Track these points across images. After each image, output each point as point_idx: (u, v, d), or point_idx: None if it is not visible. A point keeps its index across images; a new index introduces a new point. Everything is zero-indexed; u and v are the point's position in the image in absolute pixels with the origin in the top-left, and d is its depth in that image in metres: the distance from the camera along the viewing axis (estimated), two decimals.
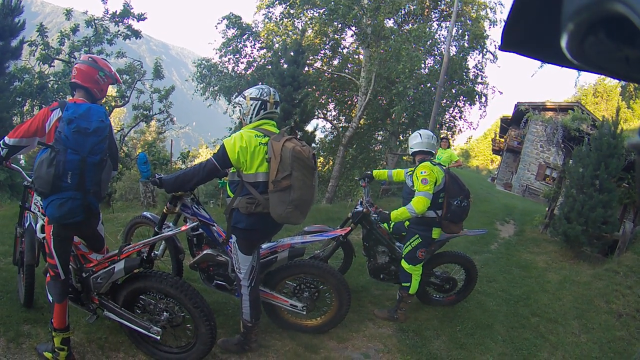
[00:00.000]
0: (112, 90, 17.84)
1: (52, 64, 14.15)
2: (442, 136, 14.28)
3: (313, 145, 12.77)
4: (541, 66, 13.13)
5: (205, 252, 4.23)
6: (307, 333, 4.52)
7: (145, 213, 5.03)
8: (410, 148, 5.14)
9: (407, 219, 4.99)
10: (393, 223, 5.43)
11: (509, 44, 0.71)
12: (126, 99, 15.97)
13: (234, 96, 19.40)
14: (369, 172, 5.76)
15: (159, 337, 3.58)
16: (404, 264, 5.15)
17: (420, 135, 5.11)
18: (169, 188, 3.73)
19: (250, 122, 3.71)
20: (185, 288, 3.52)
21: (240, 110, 3.80)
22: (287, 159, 3.40)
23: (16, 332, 3.97)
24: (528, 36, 0.69)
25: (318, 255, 5.51)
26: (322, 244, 5.75)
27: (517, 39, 0.70)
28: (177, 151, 16.48)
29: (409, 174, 5.14)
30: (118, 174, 14.22)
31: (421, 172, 4.78)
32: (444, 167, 5.09)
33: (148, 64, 17.49)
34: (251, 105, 3.70)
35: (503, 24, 0.70)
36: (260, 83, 13.25)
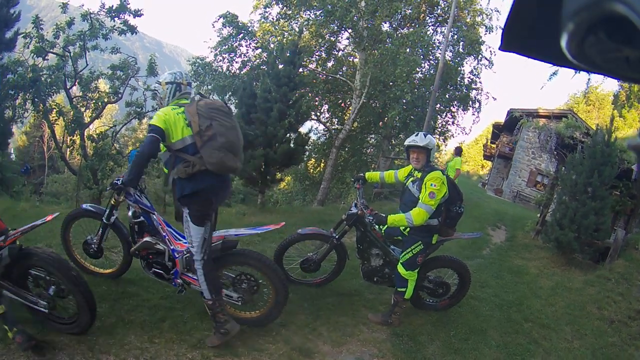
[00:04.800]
0: (105, 86, 17.72)
1: (46, 58, 14.00)
2: (456, 145, 14.46)
3: (306, 147, 12.74)
4: (550, 78, 13.19)
5: (145, 239, 4.28)
6: (245, 325, 4.39)
7: (85, 205, 5.01)
8: (427, 146, 4.94)
9: (402, 226, 4.94)
10: (385, 227, 5.37)
11: (508, 44, 0.72)
12: (119, 95, 15.83)
13: (228, 96, 19.38)
14: (362, 175, 5.72)
15: (46, 310, 3.63)
16: (400, 269, 5.09)
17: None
18: (134, 182, 3.88)
19: (167, 105, 3.94)
20: (60, 263, 3.66)
21: (157, 95, 4.11)
22: (204, 112, 3.71)
23: (4, 333, 3.91)
24: (528, 36, 0.69)
25: (311, 258, 5.53)
26: (315, 247, 5.71)
27: (517, 39, 0.71)
28: None
29: (412, 180, 5.04)
30: (109, 171, 14.11)
31: (431, 185, 4.69)
32: (447, 174, 5.04)
33: (141, 61, 17.35)
34: (167, 89, 4.00)
35: (503, 24, 0.71)
36: (255, 83, 13.25)
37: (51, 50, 13.85)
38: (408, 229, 5.06)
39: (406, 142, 5.02)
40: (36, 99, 13.67)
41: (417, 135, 4.95)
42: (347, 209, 5.49)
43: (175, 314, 4.36)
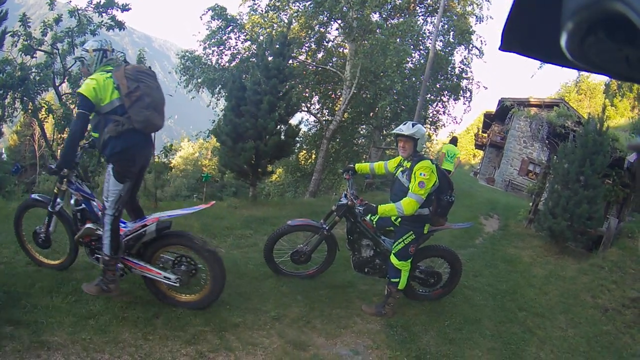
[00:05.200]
0: None
1: (35, 55, 13.86)
2: (453, 135, 14.52)
3: (297, 139, 12.70)
4: (540, 67, 13.29)
5: (86, 226, 4.33)
6: (181, 307, 4.44)
7: (33, 195, 5.03)
8: (423, 145, 5.03)
9: (392, 216, 4.97)
10: (376, 218, 5.40)
11: (508, 44, 0.72)
12: None
13: (217, 89, 19.29)
14: (352, 165, 5.73)
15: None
16: (393, 260, 5.09)
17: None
18: (68, 163, 4.24)
19: (94, 71, 4.10)
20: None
21: (84, 63, 4.21)
22: (132, 75, 3.98)
23: None
24: (528, 36, 0.69)
25: (301, 250, 5.54)
26: (306, 238, 5.69)
27: (517, 39, 0.71)
28: (159, 145, 16.30)
29: (402, 170, 5.05)
30: (100, 168, 14.02)
31: (421, 174, 4.71)
32: (436, 163, 5.03)
33: (131, 56, 17.25)
34: (95, 56, 4.16)
35: (502, 24, 0.71)
36: (245, 75, 13.18)
37: (39, 47, 13.72)
38: (399, 220, 5.08)
39: (393, 131, 5.07)
40: (25, 98, 13.52)
41: (405, 124, 4.96)
42: (338, 200, 5.48)
43: (168, 310, 4.33)
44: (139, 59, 15.85)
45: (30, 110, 13.90)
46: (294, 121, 11.18)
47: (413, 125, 4.89)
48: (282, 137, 10.16)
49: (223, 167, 10.99)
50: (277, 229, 5.85)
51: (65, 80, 14.78)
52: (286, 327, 4.52)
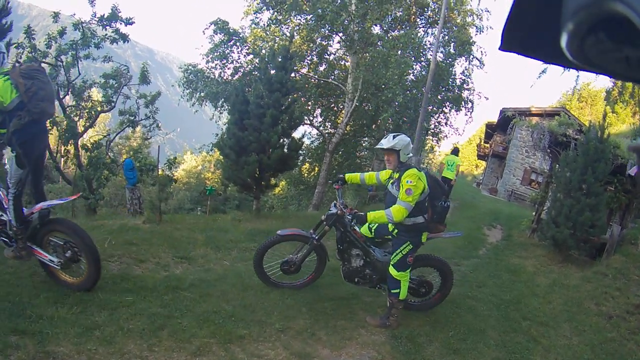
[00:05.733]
0: (97, 95, 17.67)
1: None
2: (455, 146, 14.52)
3: (300, 152, 12.74)
4: (539, 76, 13.31)
5: None
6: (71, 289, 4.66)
7: None
8: (408, 155, 5.08)
9: (382, 222, 5.04)
10: (375, 226, 5.45)
11: (508, 44, 0.72)
12: (112, 104, 15.81)
13: (220, 102, 19.37)
14: (342, 176, 5.76)
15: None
16: (392, 271, 5.12)
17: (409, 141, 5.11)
18: None
19: None
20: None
21: None
22: (27, 74, 4.41)
23: (3, 344, 3.88)
24: (528, 36, 0.69)
25: (291, 260, 5.57)
26: (296, 248, 5.70)
27: (517, 39, 0.71)
28: (162, 157, 16.38)
29: (392, 182, 5.11)
30: (105, 180, 14.08)
31: (407, 182, 4.78)
32: (427, 171, 5.18)
33: (133, 69, 17.34)
34: None
35: (502, 24, 0.71)
36: (247, 89, 13.25)
37: (43, 60, 13.81)
38: (396, 230, 5.12)
39: (376, 147, 5.26)
40: None
41: (386, 137, 5.09)
42: (328, 209, 5.52)
43: (173, 322, 4.35)
44: (142, 72, 15.94)
45: None
46: (297, 134, 11.25)
47: (394, 137, 4.99)
48: (285, 150, 10.20)
49: (226, 180, 11.03)
50: (266, 239, 5.85)
51: (69, 92, 14.86)
52: (291, 339, 4.52)
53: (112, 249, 5.44)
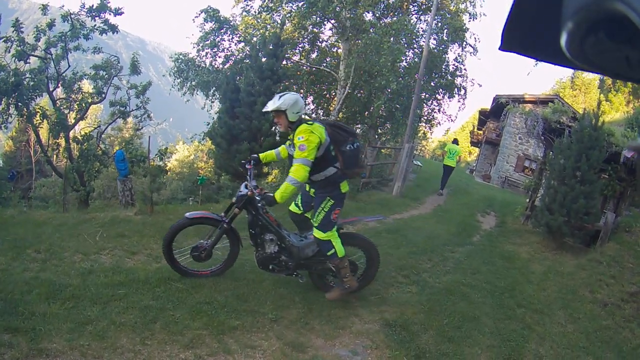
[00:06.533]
0: (88, 87, 17.54)
1: (28, 61, 13.84)
2: (454, 137, 14.46)
3: None
4: (536, 64, 13.38)
5: None
6: None
7: None
8: (297, 113, 4.83)
9: (293, 194, 4.77)
10: (299, 200, 5.40)
11: (508, 44, 0.73)
12: (103, 95, 15.71)
13: (211, 91, 19.28)
14: (256, 155, 5.52)
15: None
16: (318, 234, 4.95)
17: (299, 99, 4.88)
18: None
19: None
20: None
21: None
22: None
23: None
24: (528, 36, 0.69)
25: (202, 245, 5.18)
26: (208, 233, 5.31)
27: (517, 38, 0.71)
28: (155, 148, 16.29)
29: (289, 145, 4.98)
30: (96, 172, 14.01)
31: (298, 138, 4.61)
32: (330, 122, 5.08)
33: (125, 60, 17.21)
34: None
35: (503, 24, 0.71)
36: (239, 77, 13.15)
37: (33, 53, 13.70)
38: (313, 190, 5.08)
39: (263, 110, 4.99)
40: (19, 103, 13.47)
41: (272, 99, 4.85)
42: (238, 190, 5.22)
43: (166, 314, 4.31)
44: (132, 62, 15.85)
45: (24, 116, 13.85)
46: None
47: (279, 98, 4.77)
48: (277, 138, 10.15)
49: (219, 169, 10.97)
50: (175, 223, 5.40)
51: (59, 85, 14.77)
52: (284, 329, 4.50)
53: (104, 241, 5.39)
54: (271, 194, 4.74)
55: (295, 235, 5.23)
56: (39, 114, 14.19)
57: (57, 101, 15.05)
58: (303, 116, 4.93)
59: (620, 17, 0.49)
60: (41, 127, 15.63)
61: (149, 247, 5.95)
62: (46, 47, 13.88)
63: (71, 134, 15.37)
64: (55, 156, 18.35)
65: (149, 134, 15.73)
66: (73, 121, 15.66)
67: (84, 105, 15.49)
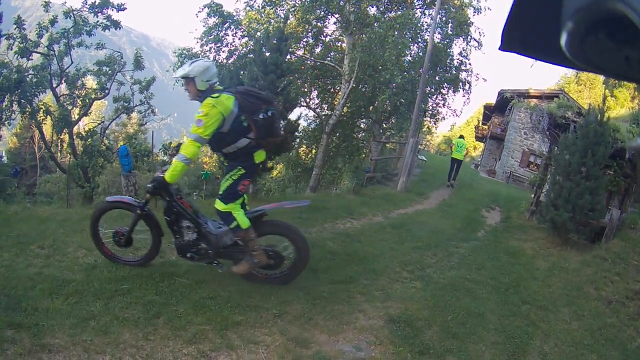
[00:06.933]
0: (92, 83, 17.57)
1: (31, 57, 13.88)
2: (461, 133, 14.45)
3: (296, 133, 12.67)
4: (532, 65, 13.44)
5: None
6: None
7: None
8: (208, 81, 4.66)
9: (183, 172, 4.64)
10: (223, 179, 4.89)
11: (508, 44, 0.73)
12: (106, 91, 15.74)
13: None
14: (180, 142, 5.36)
15: None
16: (218, 204, 4.78)
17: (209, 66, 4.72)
18: None
19: None
20: None
21: None
22: None
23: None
24: (528, 36, 0.69)
25: (120, 230, 5.05)
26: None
27: (517, 38, 0.71)
28: (159, 142, 16.30)
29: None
30: (100, 168, 14.02)
31: (198, 112, 4.45)
32: (241, 90, 4.80)
33: (129, 56, 17.18)
34: None
35: (503, 24, 0.71)
36: (242, 72, 13.14)
37: (35, 50, 13.72)
38: (226, 162, 4.94)
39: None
40: (22, 100, 13.54)
41: (183, 65, 4.72)
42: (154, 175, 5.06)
43: (169, 309, 4.30)
44: (135, 58, 15.85)
45: (28, 112, 13.90)
46: (293, 116, 11.16)
47: (190, 64, 4.64)
48: (281, 132, 10.13)
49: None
50: (96, 207, 5.40)
51: (63, 81, 14.80)
52: (288, 324, 4.47)
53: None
54: (162, 175, 4.62)
55: (213, 223, 5.05)
56: (42, 110, 14.25)
57: (61, 97, 15.10)
58: (216, 85, 4.78)
59: (620, 17, 0.49)
60: (45, 124, 15.66)
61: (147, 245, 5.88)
62: (49, 44, 13.92)
63: (75, 129, 15.43)
64: (59, 152, 18.38)
65: (152, 129, 15.76)
66: (77, 117, 15.73)
67: (87, 101, 15.53)
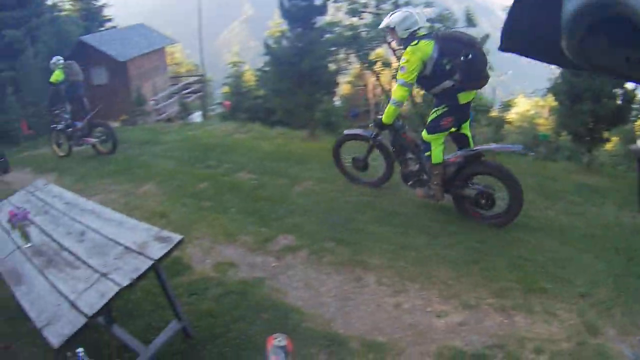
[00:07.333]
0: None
1: (361, 17, 15.17)
2: None
3: (633, 105, 11.27)
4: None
5: None
6: None
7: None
8: (407, 29, 5.02)
9: (395, 113, 5.24)
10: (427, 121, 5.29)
11: (509, 45, 0.73)
12: None
13: None
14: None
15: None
16: (424, 134, 5.13)
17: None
18: None
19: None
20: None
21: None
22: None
23: (320, 247, 4.59)
24: (528, 37, 0.70)
25: (359, 157, 6.09)
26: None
27: (517, 39, 0.72)
28: (497, 98, 16.21)
29: None
30: None
31: (401, 59, 4.98)
32: (442, 35, 5.07)
33: (455, 13, 17.37)
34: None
35: (503, 24, 0.72)
36: None
37: (364, 9, 14.95)
38: (436, 99, 5.18)
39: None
40: (360, 53, 15.13)
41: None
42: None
43: (487, 259, 4.44)
44: (467, 15, 15.92)
45: (366, 64, 15.52)
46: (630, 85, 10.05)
47: (390, 15, 5.10)
48: (619, 101, 9.23)
49: (559, 128, 10.61)
50: (337, 139, 6.44)
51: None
52: (588, 307, 4.13)
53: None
54: (380, 117, 5.39)
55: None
56: (379, 62, 15.64)
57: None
58: (419, 32, 5.03)
59: (620, 17, 0.49)
60: (382, 74, 17.16)
61: None
62: (377, 4, 14.98)
63: None
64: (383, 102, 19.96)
65: (490, 86, 15.90)
66: None
67: None
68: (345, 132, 6.35)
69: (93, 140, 9.55)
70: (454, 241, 4.71)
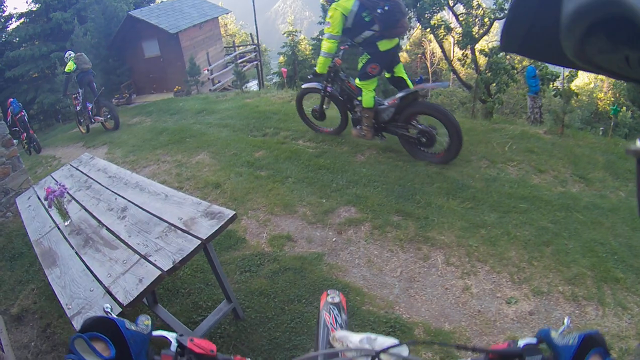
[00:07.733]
0: (486, 4, 17.98)
1: None
2: None
3: None
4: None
5: None
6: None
7: None
8: None
9: (326, 64, 5.84)
10: (359, 65, 5.71)
11: (509, 45, 0.72)
12: (504, 11, 16.01)
13: None
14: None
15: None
16: (356, 81, 5.74)
17: None
18: None
19: None
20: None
21: None
22: None
23: (385, 221, 4.38)
24: (528, 37, 0.69)
25: (315, 108, 6.80)
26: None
27: (517, 39, 0.70)
28: (564, 70, 15.74)
29: None
30: (504, 85, 14.45)
31: (327, 16, 5.53)
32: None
33: None
34: None
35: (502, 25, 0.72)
36: None
37: None
38: (360, 48, 5.65)
39: None
40: (421, 17, 15.17)
41: None
42: None
43: (559, 242, 4.14)
44: None
45: (429, 28, 15.14)
46: None
47: None
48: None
49: (631, 102, 10.24)
50: (297, 92, 7.29)
51: (459, 1, 15.45)
52: None
53: (512, 153, 5.51)
54: (315, 69, 5.96)
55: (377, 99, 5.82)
56: (443, 26, 15.30)
57: (460, 16, 15.84)
58: None
59: (620, 17, 0.48)
60: (445, 40, 16.83)
61: (557, 168, 5.68)
62: None
63: (477, 47, 16.03)
64: (458, 66, 19.34)
65: None
66: (477, 36, 16.28)
67: (486, 20, 16.20)
68: (303, 85, 6.85)
69: (101, 118, 11.59)
70: (525, 219, 4.41)
